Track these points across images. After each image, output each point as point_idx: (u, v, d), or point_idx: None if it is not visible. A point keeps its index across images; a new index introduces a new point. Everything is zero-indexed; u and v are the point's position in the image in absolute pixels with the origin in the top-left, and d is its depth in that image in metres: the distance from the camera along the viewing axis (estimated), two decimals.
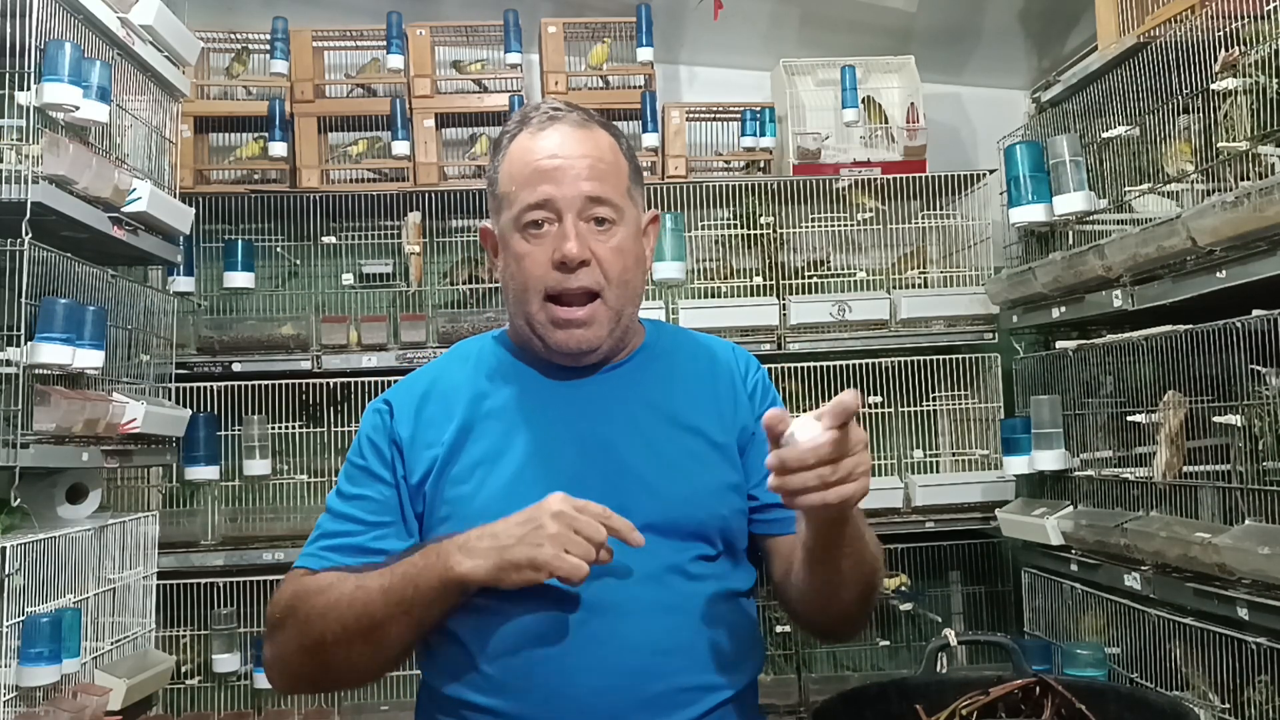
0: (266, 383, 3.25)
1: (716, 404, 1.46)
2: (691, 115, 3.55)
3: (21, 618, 2.15)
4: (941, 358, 3.41)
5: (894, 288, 3.41)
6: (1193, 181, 2.27)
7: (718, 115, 3.61)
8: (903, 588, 3.32)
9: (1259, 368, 2.01)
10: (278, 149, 3.33)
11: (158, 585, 2.75)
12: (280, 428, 3.29)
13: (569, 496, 1.26)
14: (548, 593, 1.30)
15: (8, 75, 2.22)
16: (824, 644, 3.36)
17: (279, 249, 3.42)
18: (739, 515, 1.44)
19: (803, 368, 3.31)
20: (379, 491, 1.40)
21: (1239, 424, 2.09)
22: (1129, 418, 2.47)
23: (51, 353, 2.20)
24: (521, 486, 1.35)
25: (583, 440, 1.39)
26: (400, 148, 3.35)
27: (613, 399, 1.42)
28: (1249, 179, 2.02)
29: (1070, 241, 2.79)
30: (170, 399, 2.91)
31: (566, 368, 1.44)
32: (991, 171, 3.33)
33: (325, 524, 1.42)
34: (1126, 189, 2.52)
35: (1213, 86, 2.14)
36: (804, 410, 3.23)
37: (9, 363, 2.17)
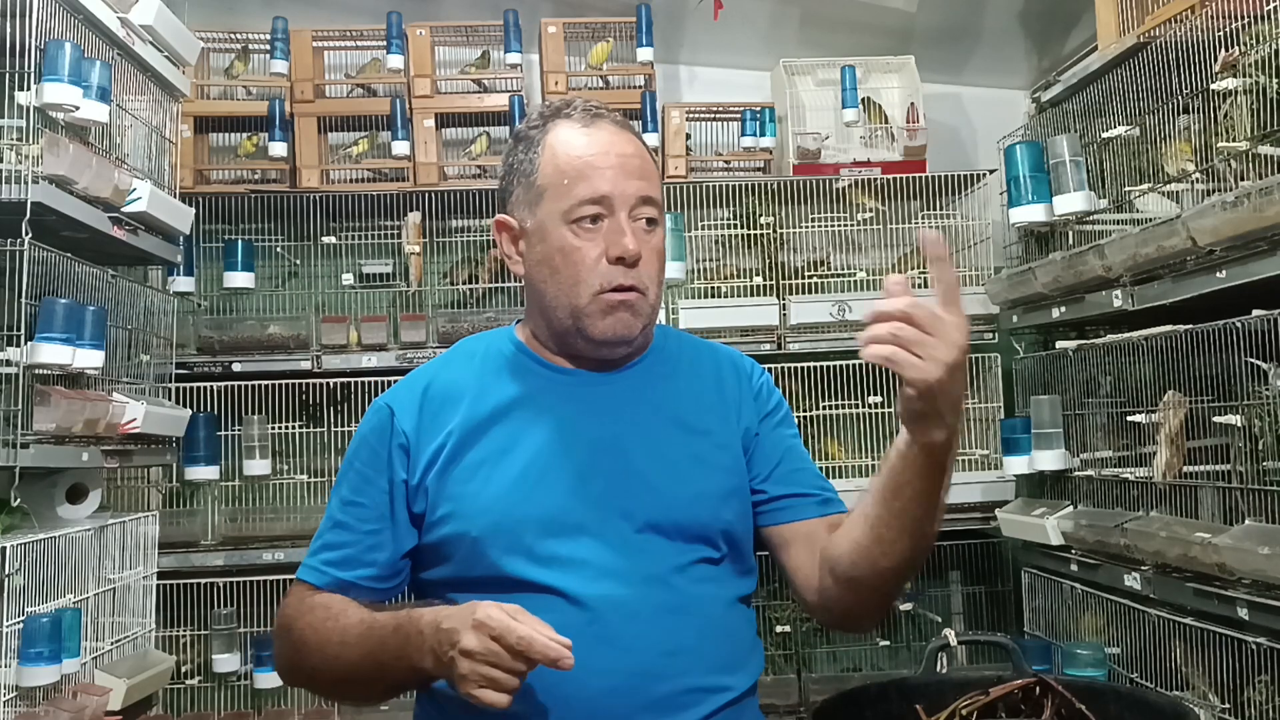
0: (266, 383, 3.25)
1: (722, 406, 1.46)
2: (691, 115, 3.56)
3: (21, 618, 2.15)
4: None
5: None
6: (1193, 181, 2.27)
7: (718, 115, 3.61)
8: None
9: (1262, 364, 2.01)
10: (278, 149, 3.33)
11: (158, 585, 2.75)
12: (280, 428, 3.29)
13: (492, 616, 1.16)
14: (551, 594, 1.30)
15: (8, 75, 2.22)
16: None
17: (279, 249, 3.42)
18: (743, 519, 1.43)
19: (803, 368, 3.31)
20: (371, 498, 1.40)
21: (1239, 424, 2.09)
22: (1129, 418, 2.48)
23: (51, 353, 2.20)
24: (526, 485, 1.35)
25: (589, 440, 1.38)
26: (400, 148, 3.35)
27: (621, 400, 1.42)
28: (1249, 179, 2.02)
29: (1070, 241, 2.79)
30: (170, 399, 2.91)
31: (573, 371, 1.43)
32: (991, 171, 3.33)
33: (324, 532, 1.43)
34: (1126, 189, 2.52)
35: (1213, 86, 2.14)
36: (803, 411, 3.25)
37: (9, 363, 2.17)
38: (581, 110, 1.41)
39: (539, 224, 1.39)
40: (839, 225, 3.48)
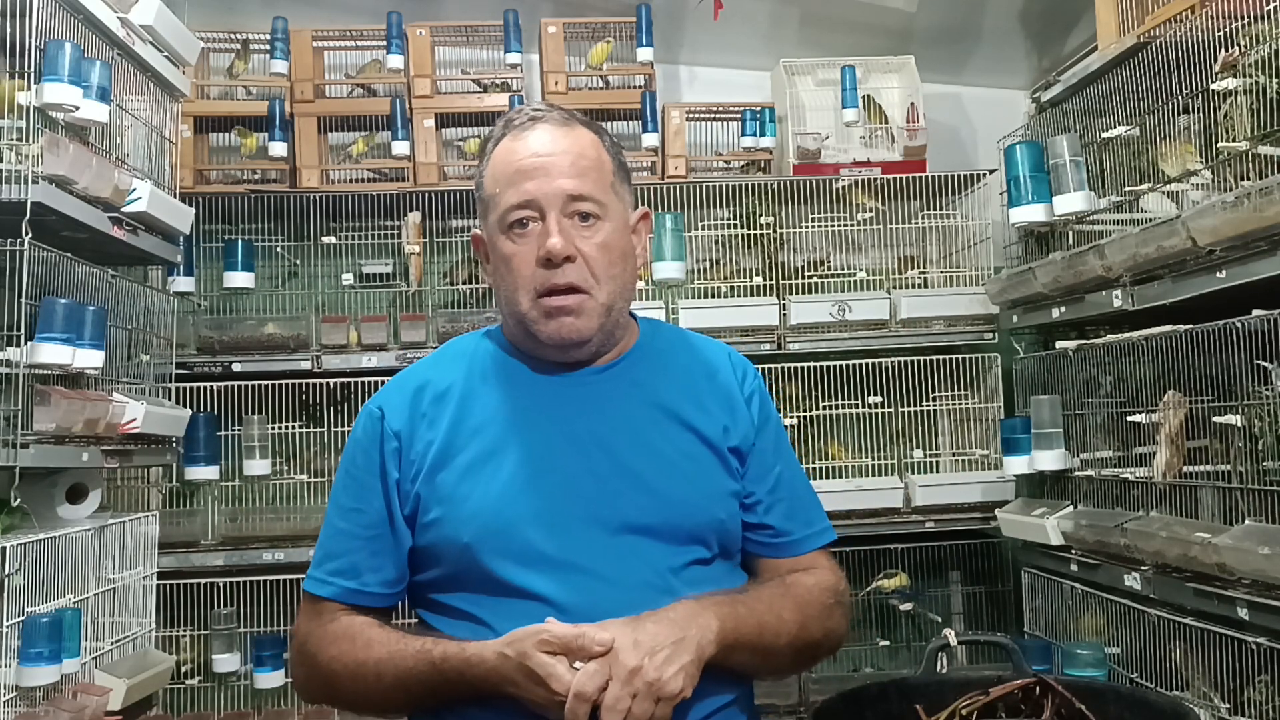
0: (266, 383, 3.25)
1: (713, 407, 1.45)
2: (691, 115, 3.56)
3: (21, 618, 2.15)
4: (941, 358, 3.41)
5: (894, 288, 3.41)
6: (1202, 180, 2.26)
7: (718, 115, 3.61)
8: (903, 588, 3.32)
9: (1267, 364, 2.01)
10: (278, 149, 3.33)
11: (158, 585, 2.75)
12: (280, 428, 3.29)
13: (528, 652, 1.22)
14: (541, 603, 1.30)
15: (8, 75, 2.22)
16: None
17: (279, 249, 3.42)
18: (735, 519, 1.43)
19: (803, 368, 3.31)
20: (370, 503, 1.40)
21: (1239, 424, 2.09)
22: (1129, 418, 2.48)
23: (51, 353, 2.20)
24: (515, 489, 1.35)
25: (578, 440, 1.38)
26: (400, 148, 3.35)
27: (608, 398, 1.42)
28: (1249, 179, 2.02)
29: (1070, 241, 2.79)
30: (170, 399, 2.91)
31: (560, 366, 1.43)
32: (991, 171, 3.33)
33: (326, 541, 1.43)
34: (1126, 189, 2.52)
35: (1213, 86, 2.14)
36: (803, 411, 3.25)
37: (9, 363, 2.17)
38: (523, 117, 1.42)
39: (489, 235, 1.43)
40: (839, 225, 3.48)
